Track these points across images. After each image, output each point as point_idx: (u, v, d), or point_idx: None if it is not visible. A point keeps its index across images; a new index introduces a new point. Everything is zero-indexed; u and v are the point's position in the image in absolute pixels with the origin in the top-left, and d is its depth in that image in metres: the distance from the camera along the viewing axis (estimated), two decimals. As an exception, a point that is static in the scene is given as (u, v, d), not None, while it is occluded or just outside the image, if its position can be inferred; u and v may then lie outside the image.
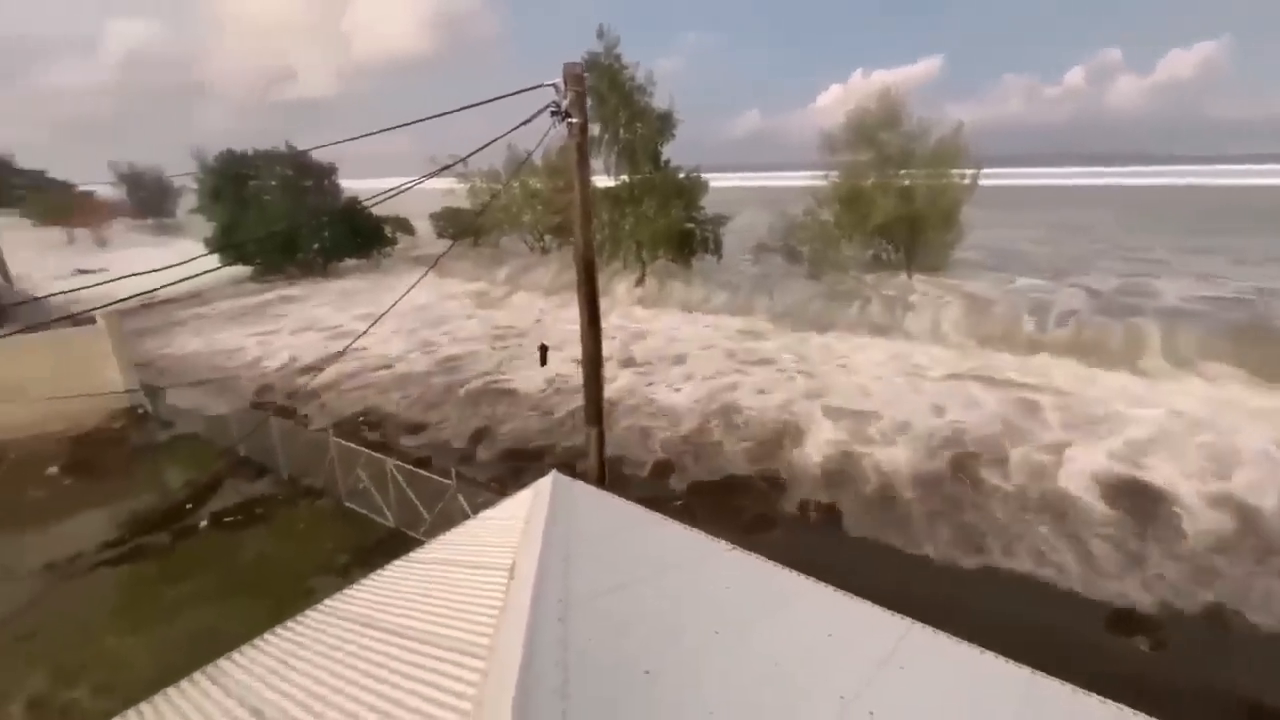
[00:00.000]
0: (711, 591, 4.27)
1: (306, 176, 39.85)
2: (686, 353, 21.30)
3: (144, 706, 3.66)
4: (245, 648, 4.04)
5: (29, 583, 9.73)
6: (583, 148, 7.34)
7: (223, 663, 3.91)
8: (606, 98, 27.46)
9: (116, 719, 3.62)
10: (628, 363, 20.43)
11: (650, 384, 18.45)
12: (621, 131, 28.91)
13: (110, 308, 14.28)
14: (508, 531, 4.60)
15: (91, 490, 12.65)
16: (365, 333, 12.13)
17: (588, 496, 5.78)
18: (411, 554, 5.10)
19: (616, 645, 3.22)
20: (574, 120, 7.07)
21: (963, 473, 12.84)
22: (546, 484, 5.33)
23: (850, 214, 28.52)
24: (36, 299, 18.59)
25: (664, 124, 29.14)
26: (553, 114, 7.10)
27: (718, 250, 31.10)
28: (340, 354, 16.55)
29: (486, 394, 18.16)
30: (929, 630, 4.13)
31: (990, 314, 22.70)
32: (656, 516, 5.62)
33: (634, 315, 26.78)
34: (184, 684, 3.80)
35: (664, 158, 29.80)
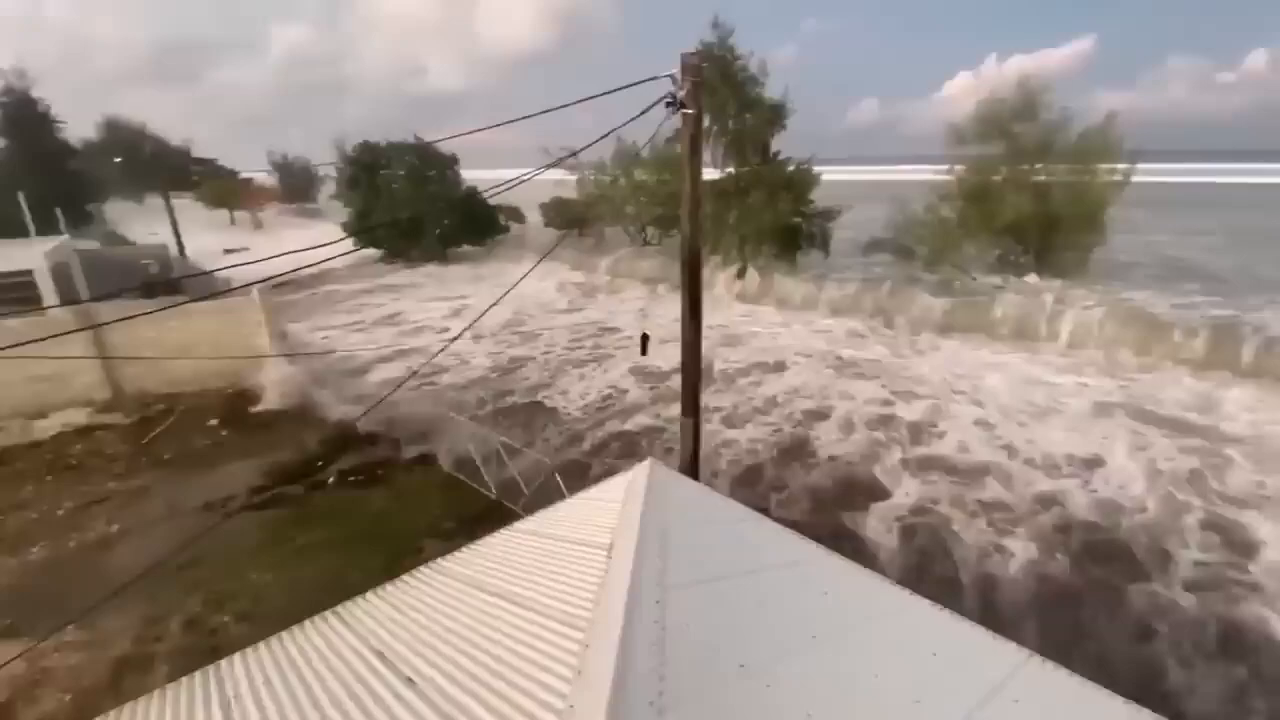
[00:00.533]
0: (809, 594, 4.16)
1: (431, 167, 42.63)
2: (780, 361, 19.55)
3: (284, 635, 4.12)
4: (369, 594, 4.43)
5: (193, 518, 11.24)
6: (696, 139, 7.33)
7: (349, 605, 4.31)
8: (718, 89, 27.18)
9: (263, 644, 4.09)
10: (704, 374, 17.68)
11: (718, 407, 15.86)
12: (731, 123, 28.55)
13: (253, 285, 16.19)
14: (605, 512, 4.71)
15: (243, 442, 14.34)
16: (446, 348, 12.81)
17: (682, 486, 5.79)
18: (515, 524, 5.36)
19: (711, 635, 3.22)
20: (689, 111, 7.07)
21: (1116, 574, 9.31)
22: (643, 470, 5.38)
23: (976, 210, 26.43)
24: (205, 273, 21.18)
25: (775, 115, 28.48)
26: (667, 105, 7.14)
27: (825, 246, 30.01)
28: (418, 367, 15.14)
29: (520, 410, 16.42)
30: (1049, 664, 3.79)
31: (1152, 330, 19.25)
32: (753, 513, 5.54)
33: (730, 315, 25.83)
34: (316, 620, 4.23)
35: (774, 149, 29.12)
